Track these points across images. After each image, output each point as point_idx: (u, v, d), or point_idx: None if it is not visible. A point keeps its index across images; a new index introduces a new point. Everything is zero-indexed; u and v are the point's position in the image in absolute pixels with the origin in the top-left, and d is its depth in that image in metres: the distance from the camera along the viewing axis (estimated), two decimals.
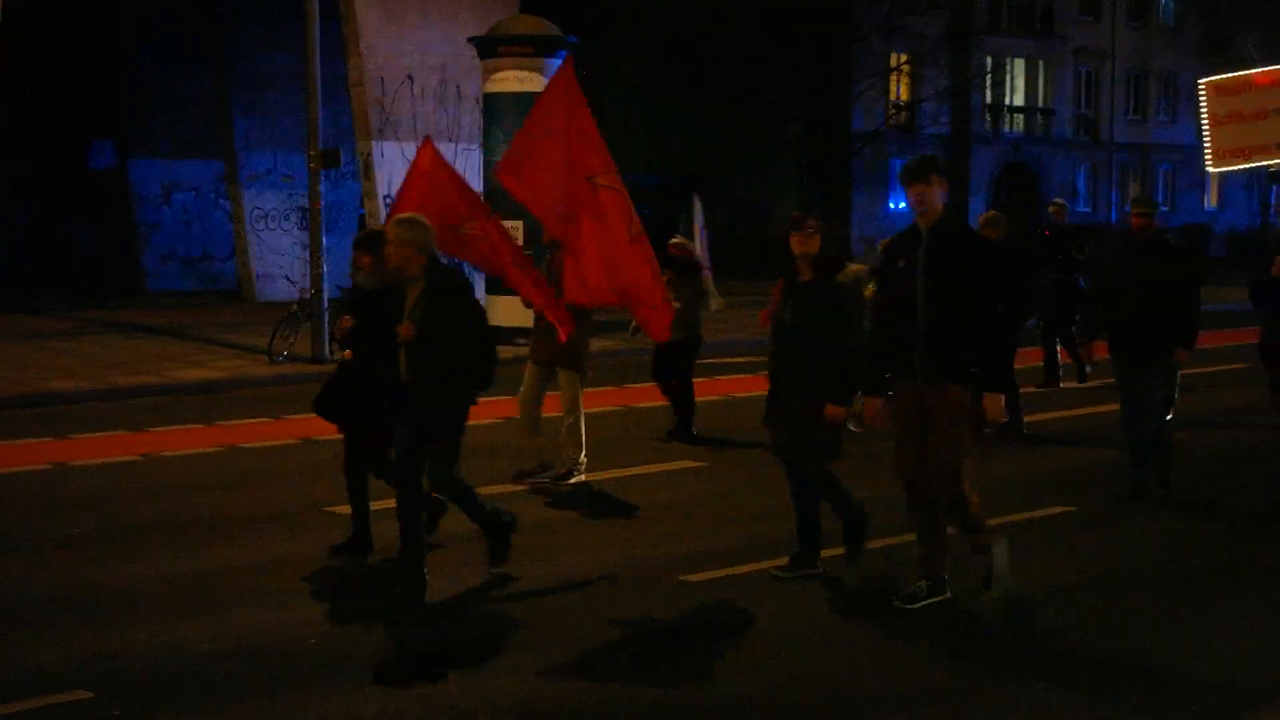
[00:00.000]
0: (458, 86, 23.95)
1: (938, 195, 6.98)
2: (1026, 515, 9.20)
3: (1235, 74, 10.75)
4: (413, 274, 7.40)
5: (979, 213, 46.36)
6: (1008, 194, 45.01)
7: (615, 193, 9.08)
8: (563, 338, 9.35)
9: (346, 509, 9.40)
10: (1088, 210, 46.45)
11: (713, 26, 37.42)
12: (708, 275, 13.15)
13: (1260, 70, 10.71)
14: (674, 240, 12.88)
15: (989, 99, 44.03)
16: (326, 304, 17.91)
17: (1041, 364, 15.09)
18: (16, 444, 12.41)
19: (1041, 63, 45.43)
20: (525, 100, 19.91)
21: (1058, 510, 9.41)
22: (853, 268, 10.36)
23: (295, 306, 18.36)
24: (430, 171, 8.93)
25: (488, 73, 20.30)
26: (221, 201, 30.02)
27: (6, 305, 24.25)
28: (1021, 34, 44.67)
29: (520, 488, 10.09)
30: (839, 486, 7.72)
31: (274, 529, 9.09)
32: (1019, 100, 45.59)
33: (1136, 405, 9.56)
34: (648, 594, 7.47)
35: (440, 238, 7.99)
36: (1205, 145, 10.81)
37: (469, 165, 23.93)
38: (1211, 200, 50.10)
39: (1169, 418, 10.06)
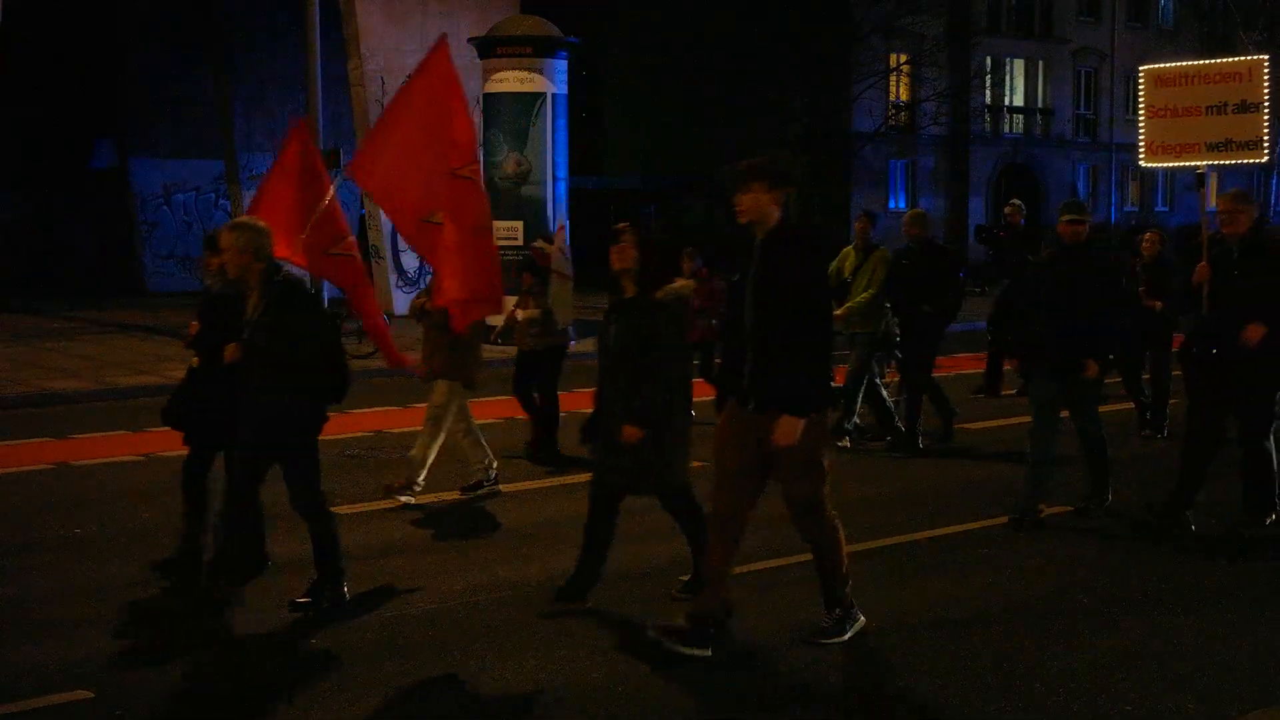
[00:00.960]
0: None
1: (766, 203, 6.34)
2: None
3: (1176, 64, 10.01)
4: (252, 283, 7.04)
5: (979, 213, 46.32)
6: (1007, 194, 45.07)
7: (471, 184, 8.49)
8: (395, 361, 8.88)
9: (347, 509, 9.47)
10: None
11: (712, 27, 37.42)
12: (558, 283, 11.73)
13: (1200, 63, 9.98)
14: (534, 244, 12.39)
15: (989, 99, 44.03)
16: (327, 304, 17.92)
17: (985, 369, 14.77)
18: (16, 444, 12.43)
19: (1041, 63, 45.44)
20: (525, 100, 19.98)
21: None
22: (679, 283, 10.13)
23: None
24: (295, 163, 8.30)
25: (487, 73, 20.33)
26: (222, 202, 30.05)
27: (6, 305, 24.27)
28: (1021, 35, 44.67)
29: (505, 488, 10.12)
30: (699, 514, 7.15)
31: (274, 529, 9.09)
32: (1019, 101, 45.60)
33: (1048, 423, 9.01)
34: (647, 594, 7.48)
35: (310, 258, 7.73)
36: (1140, 136, 10.05)
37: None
38: (1211, 200, 50.08)
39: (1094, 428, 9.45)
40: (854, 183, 41.53)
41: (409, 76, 8.81)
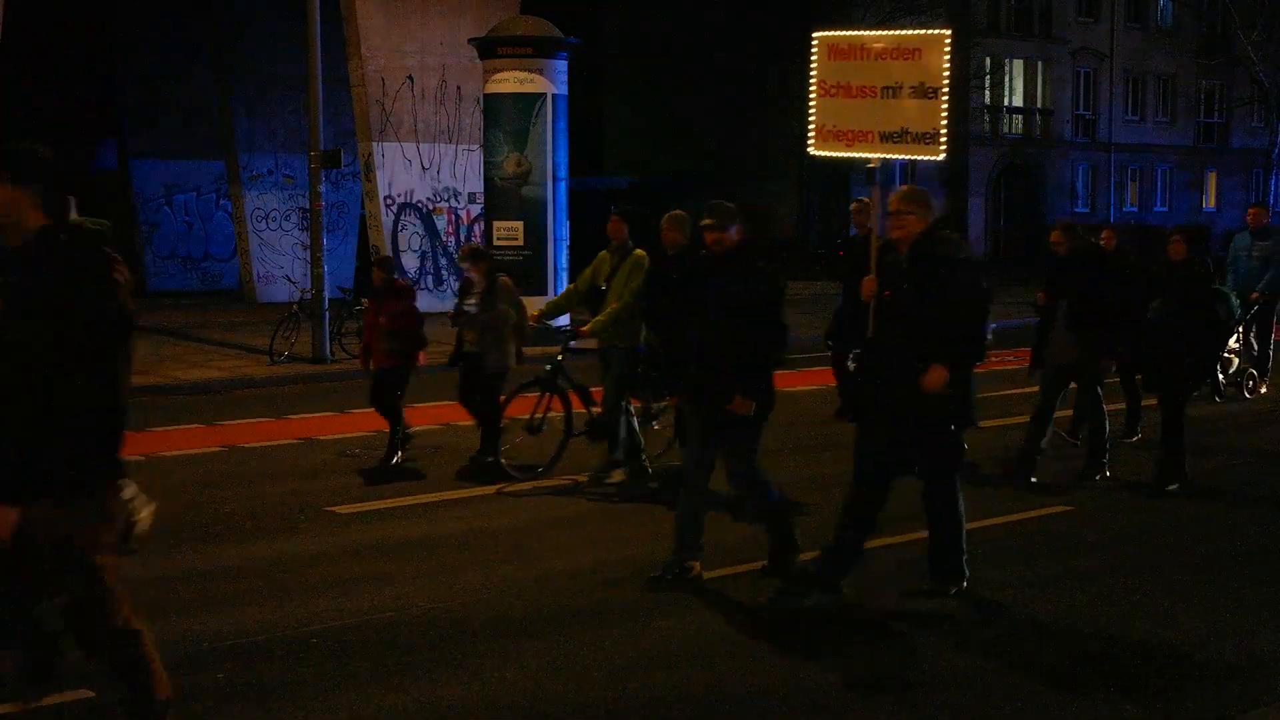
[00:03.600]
0: (458, 87, 24.01)
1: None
2: (1023, 515, 9.28)
3: (853, 32, 8.19)
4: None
5: (978, 214, 46.25)
6: (1007, 194, 45.11)
7: None
8: None
9: (348, 508, 9.49)
10: (1086, 210, 46.50)
11: (712, 27, 37.46)
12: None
13: (877, 33, 8.12)
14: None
15: (988, 100, 44.06)
16: (327, 304, 17.96)
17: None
18: None
19: (1040, 64, 45.47)
20: (526, 101, 20.00)
21: (1058, 509, 9.47)
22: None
23: (296, 307, 18.41)
24: None
25: (488, 73, 20.34)
26: (223, 202, 30.08)
27: None
28: (1020, 35, 44.71)
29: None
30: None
31: (274, 529, 9.12)
32: (1018, 101, 45.64)
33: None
34: (647, 593, 7.49)
35: None
36: (810, 118, 8.18)
37: (469, 165, 24.03)
38: (1210, 200, 50.13)
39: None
40: (853, 183, 41.58)
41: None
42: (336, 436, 12.52)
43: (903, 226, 7.20)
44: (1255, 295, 14.50)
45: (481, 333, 10.76)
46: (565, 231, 20.23)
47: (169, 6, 28.13)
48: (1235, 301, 13.98)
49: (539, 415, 10.55)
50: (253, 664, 6.38)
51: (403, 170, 23.81)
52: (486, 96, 20.59)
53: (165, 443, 12.35)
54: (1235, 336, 14.32)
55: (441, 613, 7.14)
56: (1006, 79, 45.02)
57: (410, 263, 23.87)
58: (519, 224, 19.65)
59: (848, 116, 7.97)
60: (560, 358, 10.72)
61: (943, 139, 7.72)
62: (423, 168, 24.01)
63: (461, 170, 24.31)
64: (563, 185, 20.36)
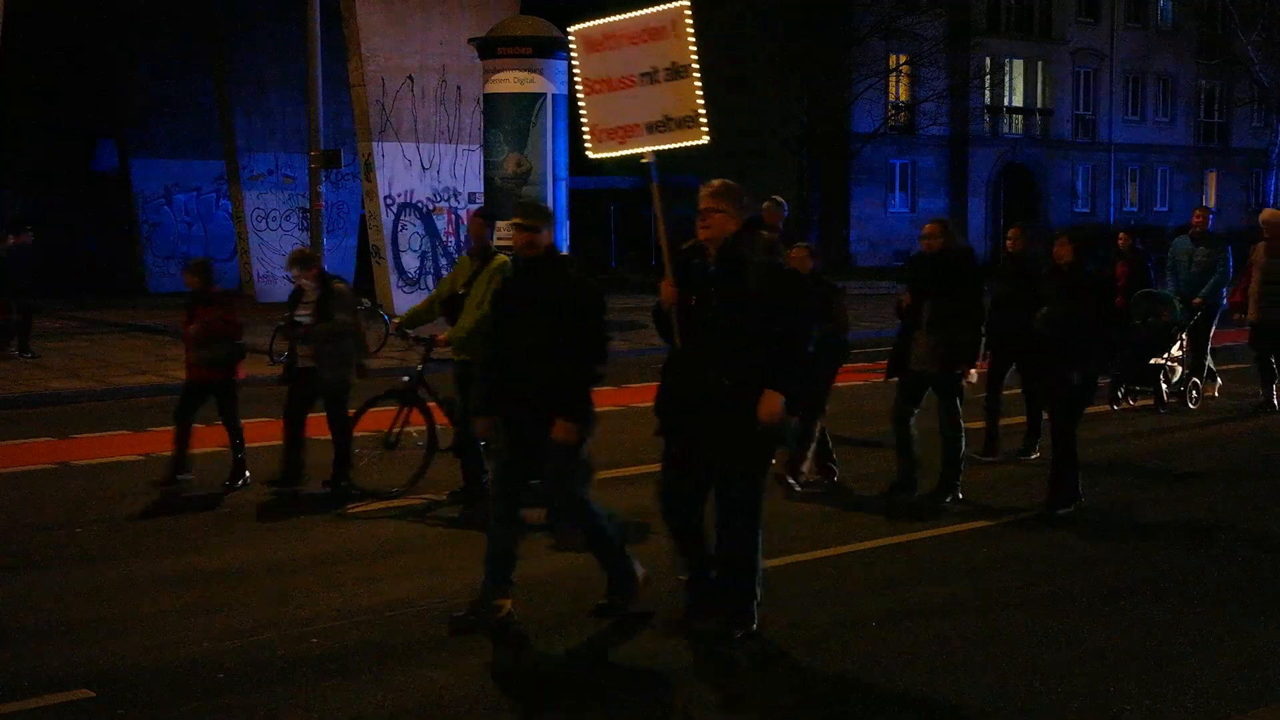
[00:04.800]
0: (458, 87, 24.01)
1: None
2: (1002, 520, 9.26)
3: (604, 20, 7.32)
4: None
5: (978, 214, 46.32)
6: (1007, 194, 45.10)
7: None
8: None
9: (348, 508, 9.48)
10: (1085, 210, 46.51)
11: (712, 28, 37.45)
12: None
13: (624, 17, 7.20)
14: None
15: (988, 100, 44.07)
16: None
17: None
18: (17, 444, 12.44)
19: (1040, 64, 45.47)
20: (526, 101, 20.00)
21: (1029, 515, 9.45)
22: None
23: None
24: None
25: (488, 73, 20.35)
26: (223, 202, 30.10)
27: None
28: (1020, 35, 44.71)
29: None
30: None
31: (274, 529, 9.12)
32: (1018, 101, 45.64)
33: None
34: (647, 593, 7.48)
35: None
36: (582, 120, 7.48)
37: (469, 166, 24.03)
38: (1210, 200, 50.15)
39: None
40: (854, 183, 41.59)
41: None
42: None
43: (709, 226, 6.43)
44: (1199, 301, 13.84)
45: (318, 345, 9.87)
46: (565, 232, 20.22)
47: (169, 7, 28.14)
48: (1179, 306, 13.76)
49: (396, 430, 9.91)
50: (253, 664, 6.37)
51: (403, 170, 23.81)
52: (486, 96, 20.60)
53: (165, 443, 12.29)
54: (1178, 344, 13.78)
55: (441, 612, 7.11)
56: (1006, 79, 45.00)
57: (410, 263, 23.87)
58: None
59: (615, 112, 7.27)
60: (420, 368, 9.96)
61: (703, 120, 6.92)
62: (423, 168, 24.00)
63: (461, 170, 24.31)
64: (562, 185, 20.35)
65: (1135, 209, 47.94)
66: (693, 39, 6.88)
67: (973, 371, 9.62)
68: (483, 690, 6.07)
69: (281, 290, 26.44)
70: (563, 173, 20.34)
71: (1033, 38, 44.98)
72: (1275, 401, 13.79)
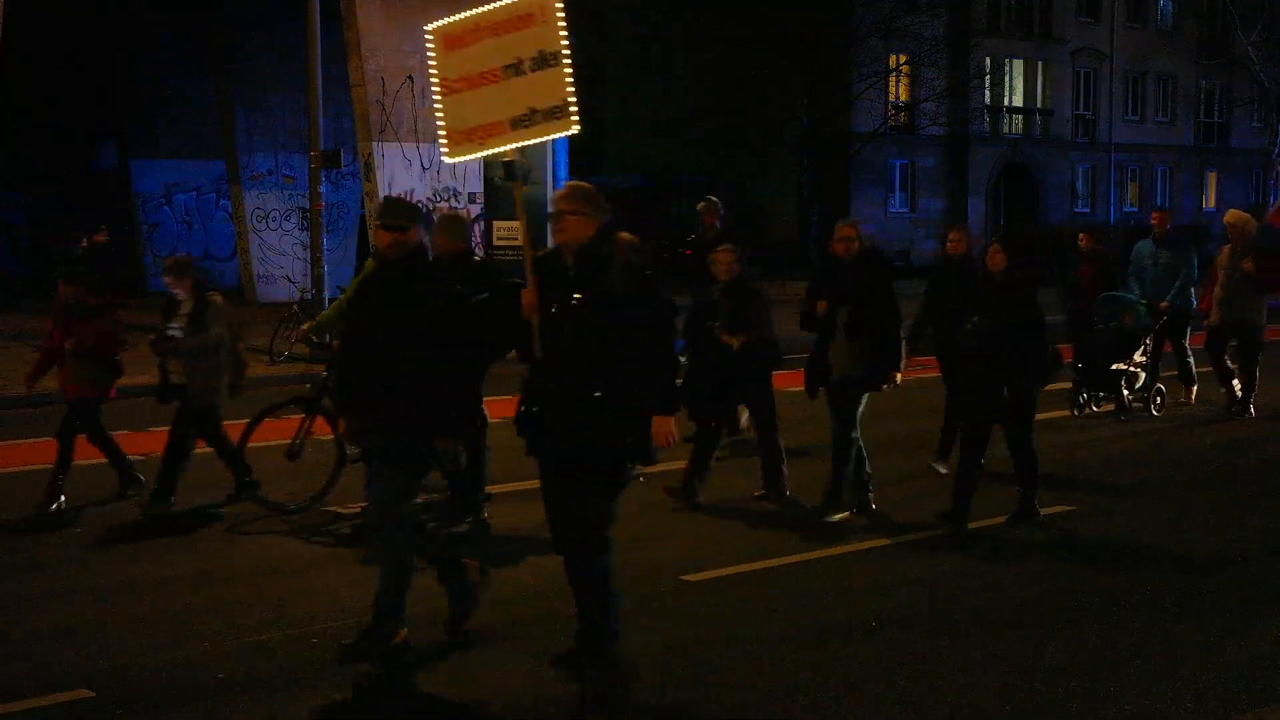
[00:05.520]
0: None
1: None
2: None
3: (465, 15, 6.97)
4: None
5: (978, 214, 46.24)
6: (1007, 194, 45.10)
7: None
8: None
9: (349, 508, 9.49)
10: (1086, 210, 46.50)
11: (712, 27, 37.45)
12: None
13: (488, 8, 6.88)
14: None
15: (988, 100, 44.06)
16: (327, 304, 17.95)
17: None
18: (16, 444, 12.44)
19: (1040, 64, 45.46)
20: None
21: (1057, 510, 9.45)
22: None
23: (296, 306, 18.41)
24: None
25: None
26: (223, 202, 30.09)
27: (7, 305, 24.27)
28: (1020, 35, 44.69)
29: (494, 489, 10.12)
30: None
31: (275, 529, 9.12)
32: (1018, 101, 45.62)
33: None
34: (648, 593, 7.49)
35: None
36: (439, 123, 7.16)
37: (469, 165, 24.01)
38: (1210, 200, 50.14)
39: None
40: (853, 183, 41.58)
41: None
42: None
43: (563, 230, 6.10)
44: (1165, 305, 13.44)
45: (189, 360, 9.39)
46: None
47: (169, 7, 28.14)
48: (1143, 309, 13.34)
49: (299, 439, 9.54)
50: (254, 664, 6.37)
51: (403, 170, 23.80)
52: None
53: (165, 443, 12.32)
54: (1142, 349, 13.31)
55: (441, 612, 7.11)
56: (1006, 79, 44.99)
57: None
58: (519, 224, 19.65)
59: (475, 111, 6.89)
60: (325, 375, 9.58)
61: (573, 110, 6.59)
62: (423, 168, 23.99)
63: (461, 170, 24.30)
64: (562, 185, 20.36)
65: (1135, 209, 47.92)
66: (563, 24, 6.52)
67: (897, 376, 9.25)
68: (483, 692, 6.07)
69: (282, 290, 26.50)
70: (563, 173, 20.35)
71: (1033, 38, 44.96)
72: (1237, 391, 13.55)
